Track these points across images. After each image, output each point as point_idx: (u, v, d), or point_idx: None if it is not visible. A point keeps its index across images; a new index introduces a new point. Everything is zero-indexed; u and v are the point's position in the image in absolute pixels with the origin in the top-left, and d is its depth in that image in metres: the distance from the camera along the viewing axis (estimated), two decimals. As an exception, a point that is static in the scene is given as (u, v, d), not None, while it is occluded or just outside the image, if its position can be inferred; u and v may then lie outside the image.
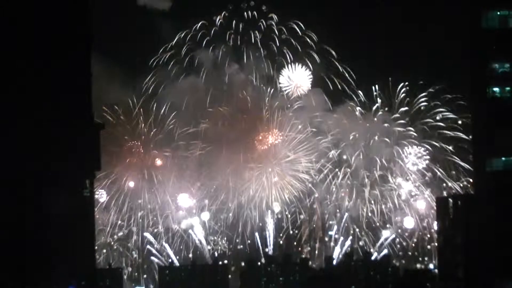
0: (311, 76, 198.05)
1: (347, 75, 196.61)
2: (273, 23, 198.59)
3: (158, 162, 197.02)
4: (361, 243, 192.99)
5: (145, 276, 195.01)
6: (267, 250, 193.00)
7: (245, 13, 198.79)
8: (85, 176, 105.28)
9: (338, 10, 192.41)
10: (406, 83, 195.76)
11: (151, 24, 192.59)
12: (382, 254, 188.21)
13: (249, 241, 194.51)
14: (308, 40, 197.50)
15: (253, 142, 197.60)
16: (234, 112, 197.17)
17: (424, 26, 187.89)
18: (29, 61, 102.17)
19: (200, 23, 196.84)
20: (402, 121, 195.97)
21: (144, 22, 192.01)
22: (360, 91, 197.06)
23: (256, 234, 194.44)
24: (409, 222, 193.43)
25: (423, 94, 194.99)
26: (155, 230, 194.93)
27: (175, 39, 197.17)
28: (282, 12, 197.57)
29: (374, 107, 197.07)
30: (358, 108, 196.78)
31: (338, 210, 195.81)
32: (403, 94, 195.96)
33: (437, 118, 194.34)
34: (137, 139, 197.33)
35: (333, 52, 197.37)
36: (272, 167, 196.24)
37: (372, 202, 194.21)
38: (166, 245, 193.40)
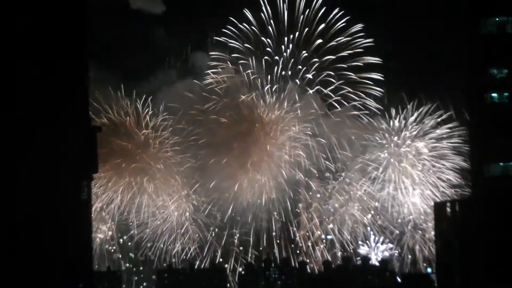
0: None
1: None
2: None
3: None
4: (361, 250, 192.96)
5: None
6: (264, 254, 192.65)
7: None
8: (82, 179, 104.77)
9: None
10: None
11: (145, 29, 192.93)
12: (380, 258, 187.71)
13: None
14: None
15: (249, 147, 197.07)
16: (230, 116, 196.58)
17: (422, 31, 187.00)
18: (27, 66, 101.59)
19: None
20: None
21: (138, 27, 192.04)
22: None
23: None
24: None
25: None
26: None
27: (170, 44, 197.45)
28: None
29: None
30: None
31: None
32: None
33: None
34: (133, 143, 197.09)
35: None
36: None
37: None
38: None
